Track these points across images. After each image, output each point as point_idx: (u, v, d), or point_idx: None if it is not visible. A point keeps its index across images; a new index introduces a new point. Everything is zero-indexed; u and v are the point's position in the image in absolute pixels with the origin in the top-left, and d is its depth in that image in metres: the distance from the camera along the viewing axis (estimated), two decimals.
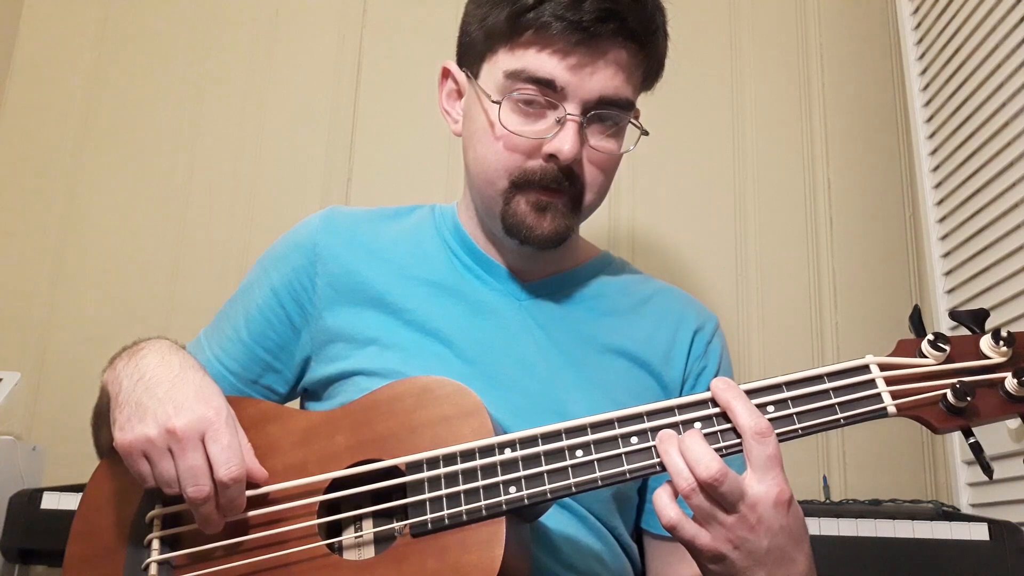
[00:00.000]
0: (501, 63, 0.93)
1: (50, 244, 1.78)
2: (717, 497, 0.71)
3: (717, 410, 0.76)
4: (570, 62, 0.91)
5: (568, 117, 0.91)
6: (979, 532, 1.21)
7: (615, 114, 0.94)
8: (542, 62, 0.91)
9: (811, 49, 1.79)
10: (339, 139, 1.80)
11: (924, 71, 1.60)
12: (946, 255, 1.52)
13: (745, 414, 0.74)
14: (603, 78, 0.92)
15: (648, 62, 0.97)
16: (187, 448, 0.79)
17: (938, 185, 1.54)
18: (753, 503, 0.71)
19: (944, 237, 1.52)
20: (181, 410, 0.80)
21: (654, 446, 0.75)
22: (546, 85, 0.91)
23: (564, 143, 0.91)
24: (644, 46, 0.95)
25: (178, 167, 1.81)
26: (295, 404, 1.04)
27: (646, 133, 0.98)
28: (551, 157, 0.92)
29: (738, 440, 0.74)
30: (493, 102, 0.93)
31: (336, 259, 1.01)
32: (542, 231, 0.95)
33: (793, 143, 1.75)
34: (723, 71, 1.79)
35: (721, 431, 0.76)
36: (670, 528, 0.74)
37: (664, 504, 0.74)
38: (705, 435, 0.74)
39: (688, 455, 0.72)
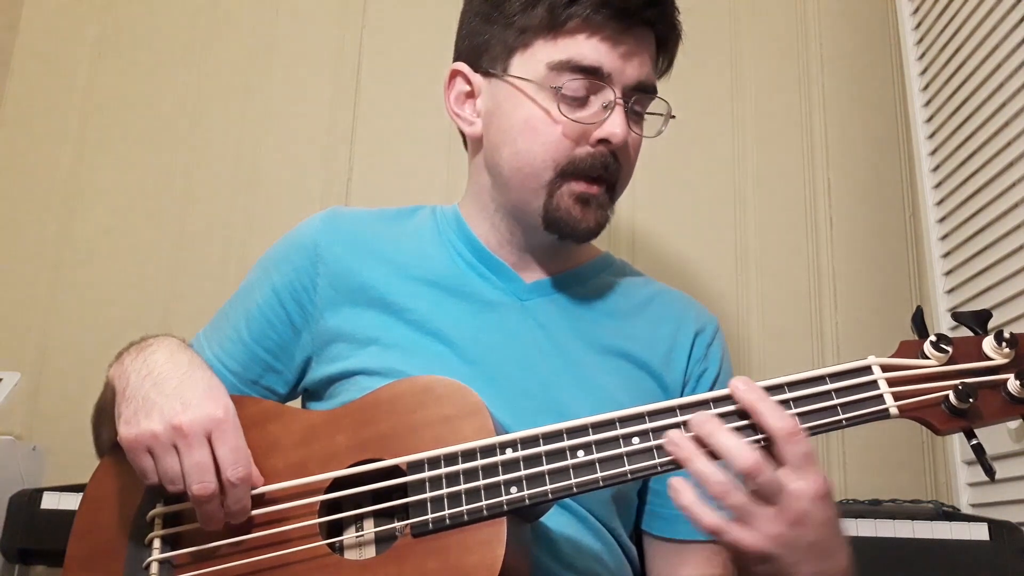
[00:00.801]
0: (540, 55, 0.94)
1: (50, 244, 1.78)
2: (755, 489, 0.69)
3: (720, 409, 0.76)
4: (615, 48, 0.92)
5: (616, 102, 0.93)
6: (979, 532, 1.21)
7: (647, 99, 0.97)
8: (588, 49, 0.92)
9: (811, 49, 1.79)
10: (339, 139, 1.79)
11: (924, 71, 1.60)
12: (946, 255, 1.52)
13: (773, 416, 0.72)
14: (640, 64, 0.95)
15: (671, 50, 1.00)
16: (193, 445, 0.79)
17: (938, 185, 1.54)
18: (795, 497, 0.69)
19: (944, 237, 1.52)
20: (189, 407, 0.80)
21: (655, 446, 0.75)
22: (592, 72, 0.92)
23: (616, 126, 0.92)
24: (672, 31, 0.98)
25: (178, 167, 1.80)
26: (296, 404, 1.04)
27: (673, 116, 1.00)
28: (601, 142, 0.93)
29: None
30: (552, 87, 0.93)
31: (337, 259, 1.01)
32: (587, 224, 0.96)
33: (793, 143, 1.75)
34: (723, 71, 1.78)
35: None
36: (714, 532, 0.70)
37: (701, 510, 0.70)
38: None
39: (721, 449, 0.70)
